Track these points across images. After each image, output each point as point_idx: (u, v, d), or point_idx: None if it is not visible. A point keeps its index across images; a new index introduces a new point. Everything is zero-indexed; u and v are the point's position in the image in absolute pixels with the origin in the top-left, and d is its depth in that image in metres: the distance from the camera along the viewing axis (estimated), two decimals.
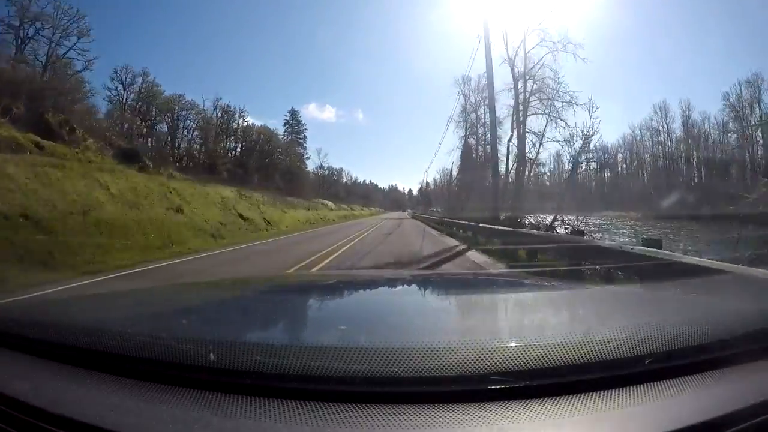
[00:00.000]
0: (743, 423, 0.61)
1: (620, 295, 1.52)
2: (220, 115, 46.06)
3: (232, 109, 47.87)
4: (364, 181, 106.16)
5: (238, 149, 49.23)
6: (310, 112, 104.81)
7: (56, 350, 0.81)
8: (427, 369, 0.63)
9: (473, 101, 34.29)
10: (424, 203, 72.29)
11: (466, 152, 36.59)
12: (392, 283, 1.90)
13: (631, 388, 0.66)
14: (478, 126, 34.74)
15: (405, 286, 1.80)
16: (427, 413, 0.59)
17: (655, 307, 1.23)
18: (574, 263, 6.14)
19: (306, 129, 62.84)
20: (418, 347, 0.67)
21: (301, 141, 62.33)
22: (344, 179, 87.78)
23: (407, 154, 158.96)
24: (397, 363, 0.64)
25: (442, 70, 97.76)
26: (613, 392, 0.64)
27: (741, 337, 0.78)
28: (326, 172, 74.75)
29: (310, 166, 66.14)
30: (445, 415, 0.59)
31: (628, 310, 1.20)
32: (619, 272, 4.94)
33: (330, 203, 59.55)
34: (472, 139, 35.45)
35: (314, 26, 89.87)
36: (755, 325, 0.82)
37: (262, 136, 50.94)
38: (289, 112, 62.68)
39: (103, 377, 0.72)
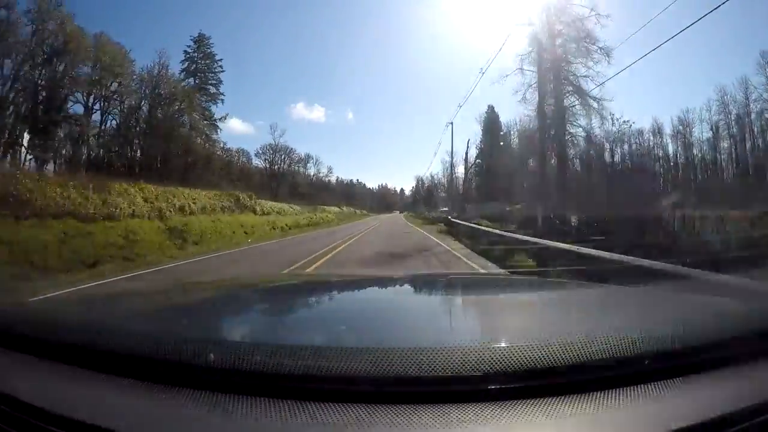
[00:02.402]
0: (743, 423, 0.61)
1: (620, 295, 1.52)
2: None
3: None
4: (352, 180, 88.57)
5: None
6: (298, 111, 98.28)
7: (56, 350, 0.81)
8: (428, 369, 0.63)
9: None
10: (425, 201, 60.10)
11: (491, 124, 24.35)
12: (392, 283, 1.89)
13: (631, 388, 0.65)
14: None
15: (405, 286, 1.80)
16: (427, 413, 0.59)
17: (656, 307, 1.23)
18: None
19: (223, 71, 35.95)
20: (418, 347, 0.67)
21: (214, 89, 34.71)
22: (311, 171, 58.22)
23: (399, 155, 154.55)
24: (396, 363, 0.63)
25: (438, 70, 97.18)
26: (613, 392, 0.64)
27: (740, 337, 0.78)
28: (283, 158, 46.50)
29: (252, 144, 41.59)
30: (446, 415, 0.59)
31: (628, 310, 1.20)
32: None
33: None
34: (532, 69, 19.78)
35: (304, 24, 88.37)
36: (755, 325, 0.82)
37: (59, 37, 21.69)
38: (194, 39, 35.84)
39: (103, 377, 0.72)
